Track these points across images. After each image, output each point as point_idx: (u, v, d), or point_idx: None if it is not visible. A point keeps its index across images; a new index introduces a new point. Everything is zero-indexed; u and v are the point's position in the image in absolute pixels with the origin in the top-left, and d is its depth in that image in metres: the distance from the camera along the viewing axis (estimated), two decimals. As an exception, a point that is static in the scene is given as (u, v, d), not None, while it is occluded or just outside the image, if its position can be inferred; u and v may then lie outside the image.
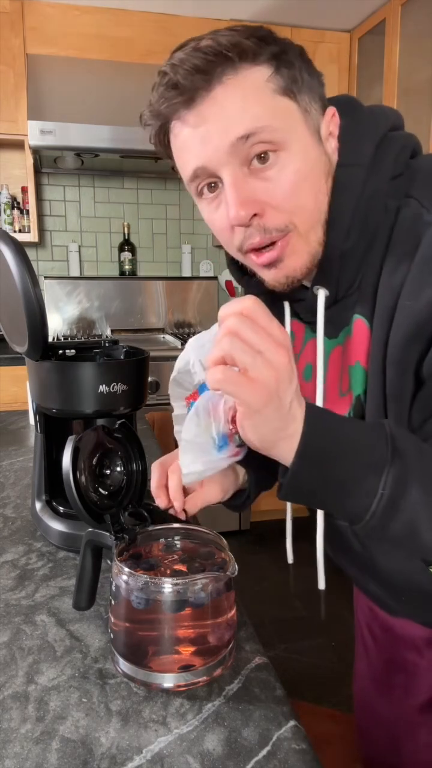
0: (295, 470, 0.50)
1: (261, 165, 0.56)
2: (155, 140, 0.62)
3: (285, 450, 0.50)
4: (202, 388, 0.54)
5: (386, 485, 0.49)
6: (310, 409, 0.51)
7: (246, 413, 0.48)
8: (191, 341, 0.55)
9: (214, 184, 0.59)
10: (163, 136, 0.61)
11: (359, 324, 0.62)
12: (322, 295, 0.63)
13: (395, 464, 0.49)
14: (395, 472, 0.49)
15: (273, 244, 0.59)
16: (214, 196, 0.60)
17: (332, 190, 0.60)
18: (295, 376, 0.49)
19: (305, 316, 0.70)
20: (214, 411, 0.51)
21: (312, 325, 0.68)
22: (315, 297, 0.64)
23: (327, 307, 0.64)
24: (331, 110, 0.60)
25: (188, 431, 0.51)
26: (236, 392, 0.47)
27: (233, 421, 0.50)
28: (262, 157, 0.56)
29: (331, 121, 0.60)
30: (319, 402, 0.65)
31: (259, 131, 0.54)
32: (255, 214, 0.57)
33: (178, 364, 0.57)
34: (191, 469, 0.52)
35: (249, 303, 0.47)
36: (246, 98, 0.54)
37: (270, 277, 0.63)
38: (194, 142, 0.57)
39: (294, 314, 0.72)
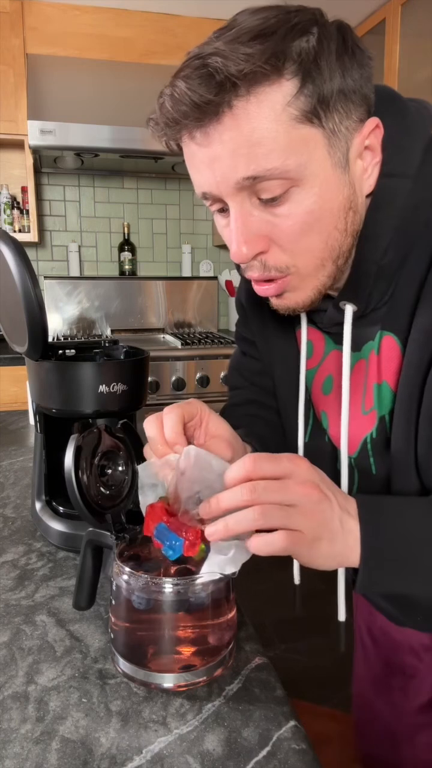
0: (365, 577, 0.50)
1: (272, 201, 0.51)
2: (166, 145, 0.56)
3: (355, 560, 0.50)
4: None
5: None
6: (363, 512, 0.49)
7: (307, 562, 0.48)
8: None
9: (224, 207, 0.54)
10: (173, 143, 0.55)
11: (389, 342, 0.59)
12: (349, 310, 0.59)
13: None
14: None
15: (272, 280, 0.56)
16: (225, 215, 0.55)
17: (371, 204, 0.55)
18: (330, 498, 0.48)
19: (324, 326, 0.66)
20: None
21: (332, 335, 0.65)
22: (339, 310, 0.60)
23: (352, 321, 0.60)
24: (374, 122, 0.52)
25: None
26: (291, 551, 0.47)
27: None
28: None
29: (370, 135, 0.53)
30: (344, 421, 0.61)
31: (268, 174, 0.49)
32: (259, 252, 0.53)
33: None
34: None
35: (249, 463, 0.46)
36: (256, 133, 0.47)
37: (272, 303, 0.60)
38: (202, 162, 0.51)
39: (310, 321, 0.68)
